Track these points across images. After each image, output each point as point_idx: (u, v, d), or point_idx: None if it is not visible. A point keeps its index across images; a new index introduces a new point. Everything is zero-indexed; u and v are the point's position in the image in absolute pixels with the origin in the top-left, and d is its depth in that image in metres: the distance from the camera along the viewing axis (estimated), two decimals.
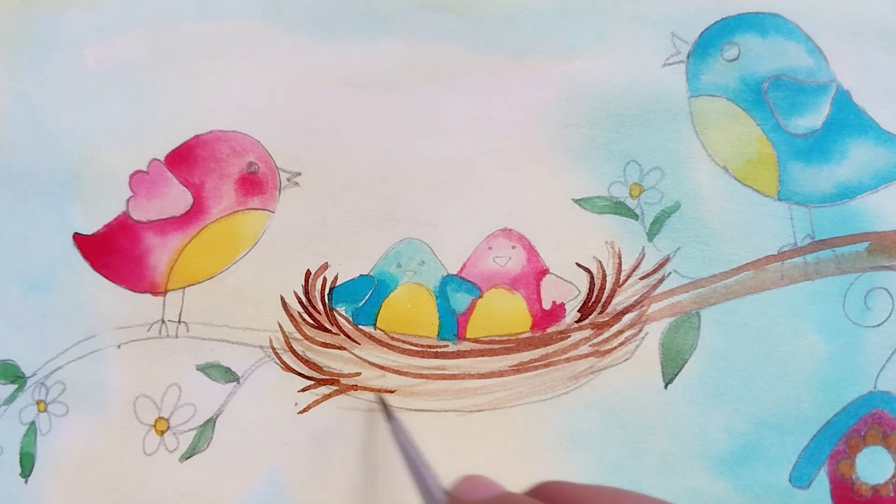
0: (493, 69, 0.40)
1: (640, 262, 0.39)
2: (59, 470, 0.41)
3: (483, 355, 0.39)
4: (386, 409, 0.38)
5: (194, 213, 0.41)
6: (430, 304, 0.40)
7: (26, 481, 0.41)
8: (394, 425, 0.37)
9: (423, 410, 0.39)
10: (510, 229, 0.40)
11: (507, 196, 0.40)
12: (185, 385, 0.41)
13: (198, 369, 0.41)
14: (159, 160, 0.42)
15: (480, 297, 0.40)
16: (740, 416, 0.38)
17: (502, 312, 0.39)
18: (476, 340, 0.39)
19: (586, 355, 0.39)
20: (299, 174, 0.41)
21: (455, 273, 0.40)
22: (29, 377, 0.42)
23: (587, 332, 0.39)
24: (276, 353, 0.40)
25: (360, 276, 0.40)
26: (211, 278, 0.41)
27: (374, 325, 0.40)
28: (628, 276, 0.39)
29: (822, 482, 0.37)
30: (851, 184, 0.38)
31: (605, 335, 0.39)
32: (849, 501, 0.37)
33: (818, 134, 0.39)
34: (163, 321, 0.41)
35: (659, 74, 0.39)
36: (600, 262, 0.39)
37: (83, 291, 0.42)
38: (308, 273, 0.40)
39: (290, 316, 0.40)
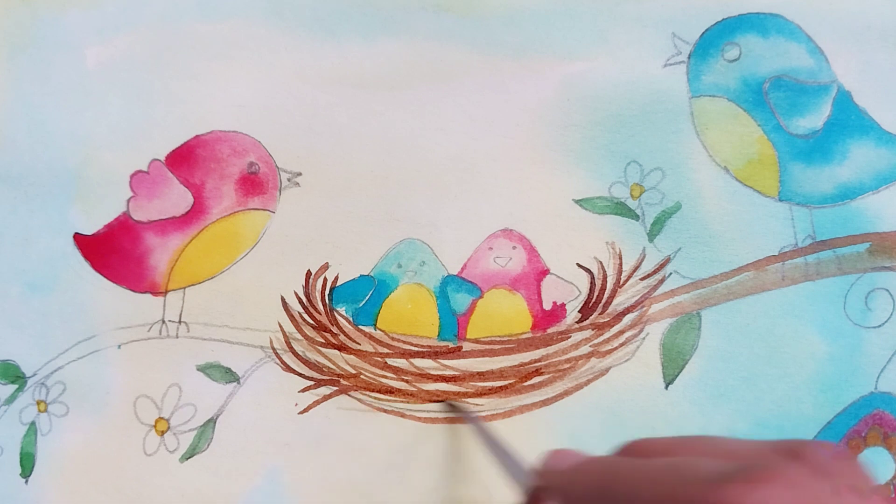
0: (493, 69, 0.40)
1: (640, 263, 0.39)
2: (60, 470, 0.41)
3: (483, 356, 0.39)
4: (461, 412, 0.38)
5: (195, 213, 0.41)
6: (430, 304, 0.40)
7: (26, 481, 0.41)
8: (472, 423, 0.37)
9: (424, 412, 0.39)
10: (511, 229, 0.40)
11: (507, 196, 0.40)
12: (185, 385, 0.41)
13: (198, 369, 0.41)
14: (160, 160, 0.42)
15: (481, 297, 0.39)
16: (741, 417, 0.38)
17: (503, 313, 0.39)
18: (476, 341, 0.39)
19: (587, 356, 0.39)
20: (300, 174, 0.41)
21: (455, 273, 0.40)
22: (29, 377, 0.42)
23: (588, 333, 0.39)
24: (277, 354, 0.40)
25: (361, 276, 0.40)
26: (211, 278, 0.41)
27: (375, 325, 0.40)
28: (629, 277, 0.39)
29: None
30: (852, 184, 0.38)
31: (606, 336, 0.39)
32: None
33: (819, 134, 0.39)
34: (163, 321, 0.41)
35: (660, 75, 0.39)
36: (601, 262, 0.39)
37: (83, 291, 0.42)
38: (308, 273, 0.40)
39: (291, 316, 0.40)
